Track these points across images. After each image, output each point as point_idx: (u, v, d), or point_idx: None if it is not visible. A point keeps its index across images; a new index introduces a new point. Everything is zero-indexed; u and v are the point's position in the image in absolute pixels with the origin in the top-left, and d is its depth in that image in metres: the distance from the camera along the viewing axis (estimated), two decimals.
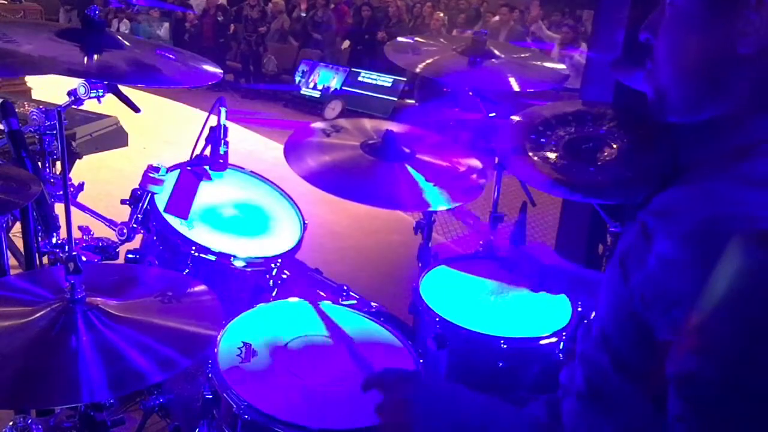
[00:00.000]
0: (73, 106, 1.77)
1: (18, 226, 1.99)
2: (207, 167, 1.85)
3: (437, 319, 1.61)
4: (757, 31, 0.77)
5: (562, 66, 2.29)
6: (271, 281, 1.84)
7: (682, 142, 0.85)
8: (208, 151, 1.85)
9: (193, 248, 1.71)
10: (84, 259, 1.18)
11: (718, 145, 0.80)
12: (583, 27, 9.47)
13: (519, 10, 9.89)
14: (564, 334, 1.58)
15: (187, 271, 1.72)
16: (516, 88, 1.96)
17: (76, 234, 1.85)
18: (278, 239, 1.89)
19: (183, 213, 1.76)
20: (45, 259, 1.96)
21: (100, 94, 1.77)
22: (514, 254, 1.64)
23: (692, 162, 0.82)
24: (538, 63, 2.22)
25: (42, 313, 1.15)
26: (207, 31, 10.68)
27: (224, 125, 1.84)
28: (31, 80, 5.05)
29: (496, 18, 9.59)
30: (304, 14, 10.83)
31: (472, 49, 2.07)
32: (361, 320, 1.57)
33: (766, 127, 0.78)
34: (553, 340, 1.57)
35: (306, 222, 1.95)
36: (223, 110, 1.82)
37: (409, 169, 1.83)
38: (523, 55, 2.21)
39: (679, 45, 0.84)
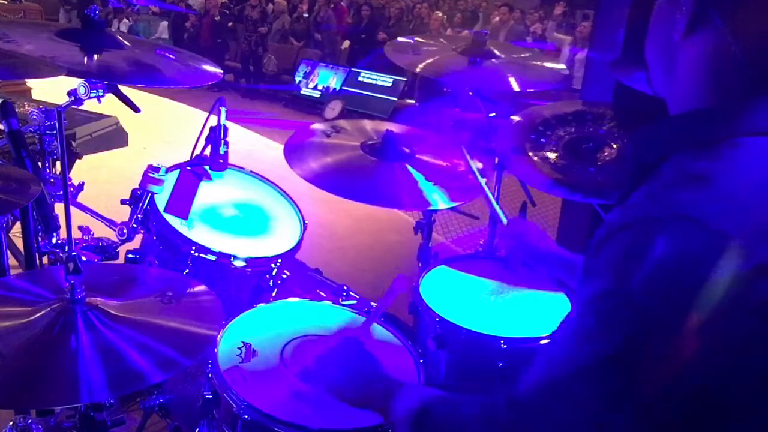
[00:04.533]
0: (73, 106, 1.77)
1: (18, 226, 1.99)
2: (207, 167, 1.85)
3: (437, 319, 1.61)
4: (684, 15, 0.80)
5: (562, 66, 2.29)
6: (271, 281, 1.84)
7: (655, 138, 0.85)
8: (208, 151, 1.85)
9: (193, 248, 1.71)
10: (84, 259, 1.18)
11: (683, 140, 0.80)
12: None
13: (520, 10, 9.92)
14: None
15: (187, 271, 1.72)
16: (516, 88, 1.96)
17: (76, 234, 1.85)
18: (278, 239, 1.89)
19: (183, 213, 1.76)
20: (45, 259, 1.96)
21: (100, 94, 1.77)
22: (504, 228, 1.63)
23: (660, 158, 0.80)
24: (538, 63, 2.22)
25: (42, 313, 1.15)
26: (207, 31, 10.68)
27: (224, 125, 1.84)
28: (31, 80, 5.05)
29: (497, 18, 9.61)
30: (306, 15, 10.82)
31: (472, 49, 2.07)
32: (362, 320, 1.57)
33: (736, 121, 0.76)
34: None
35: (306, 222, 1.95)
36: (223, 110, 1.82)
37: (410, 168, 1.83)
38: (523, 55, 2.21)
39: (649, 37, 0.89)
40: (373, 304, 1.80)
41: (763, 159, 0.72)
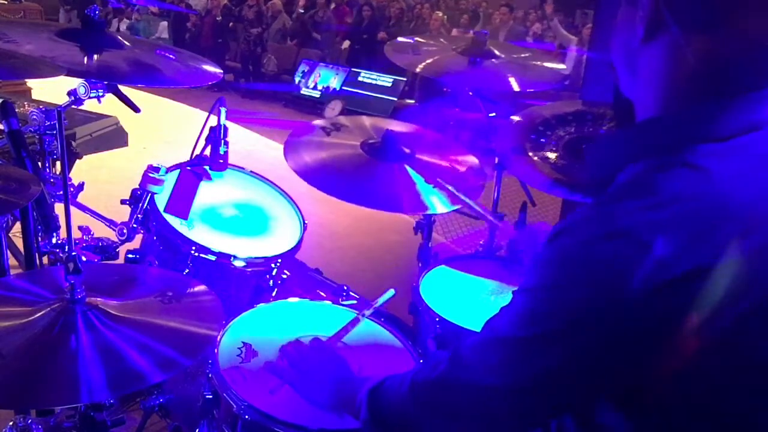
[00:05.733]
0: (73, 106, 1.77)
1: (18, 226, 1.99)
2: (207, 167, 1.85)
3: (437, 319, 1.61)
4: (642, 20, 0.80)
5: (562, 66, 2.29)
6: (271, 281, 1.84)
7: (612, 149, 0.87)
8: (208, 151, 1.85)
9: (193, 248, 1.71)
10: (84, 259, 1.18)
11: (638, 150, 0.81)
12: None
13: (523, 11, 9.91)
14: None
15: (187, 271, 1.72)
16: (516, 88, 1.96)
17: (76, 234, 1.85)
18: (278, 239, 1.89)
19: (183, 213, 1.76)
20: (45, 259, 1.96)
21: (100, 94, 1.77)
22: (517, 237, 1.65)
23: (617, 169, 0.82)
24: (538, 63, 2.22)
25: (42, 313, 1.15)
26: (207, 31, 10.68)
27: (224, 125, 1.84)
28: (31, 80, 5.05)
29: (498, 19, 9.61)
30: (302, 11, 10.81)
31: (472, 49, 2.07)
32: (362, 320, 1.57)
33: (686, 130, 0.77)
34: None
35: (306, 222, 1.95)
36: (223, 110, 1.82)
37: (409, 170, 1.83)
38: (523, 55, 2.21)
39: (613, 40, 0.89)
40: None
41: (712, 166, 0.73)
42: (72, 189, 1.98)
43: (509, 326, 0.81)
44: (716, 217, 0.70)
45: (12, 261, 2.02)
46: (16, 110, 1.91)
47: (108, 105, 1.94)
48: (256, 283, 1.82)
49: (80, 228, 1.89)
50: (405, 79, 8.50)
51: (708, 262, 0.68)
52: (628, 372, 0.74)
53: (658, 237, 0.69)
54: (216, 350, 1.36)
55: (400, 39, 2.32)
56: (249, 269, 1.76)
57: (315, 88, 9.17)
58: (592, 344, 0.73)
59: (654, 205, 0.71)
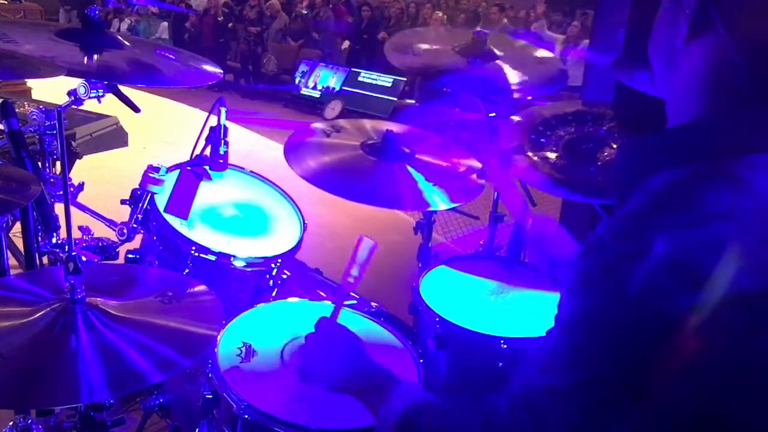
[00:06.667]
0: (73, 106, 1.77)
1: (18, 226, 1.99)
2: (207, 167, 1.85)
3: (437, 319, 1.61)
4: (686, 18, 0.77)
5: (561, 66, 2.29)
6: (271, 281, 1.84)
7: (646, 153, 0.82)
8: (208, 151, 1.85)
9: (193, 248, 1.71)
10: (84, 259, 1.18)
11: (673, 157, 0.77)
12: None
13: (525, 11, 9.93)
14: None
15: (187, 271, 1.72)
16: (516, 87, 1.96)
17: (76, 234, 1.85)
18: (278, 239, 1.89)
19: (183, 213, 1.76)
20: (45, 259, 1.96)
21: (100, 94, 1.77)
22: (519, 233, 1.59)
23: (648, 173, 0.77)
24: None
25: (42, 313, 1.16)
26: (207, 31, 10.68)
27: (224, 125, 1.84)
28: (31, 80, 5.05)
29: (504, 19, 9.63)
30: (305, 11, 10.81)
31: (472, 49, 2.07)
32: (361, 320, 1.57)
33: (726, 139, 0.74)
34: None
35: (306, 222, 1.95)
36: (223, 110, 1.82)
37: (409, 169, 1.83)
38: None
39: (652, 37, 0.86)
40: (374, 304, 1.80)
41: (755, 180, 0.69)
42: (72, 189, 1.98)
43: (557, 376, 0.73)
44: (752, 238, 0.66)
45: (12, 261, 2.02)
46: (16, 110, 1.91)
47: (108, 105, 1.94)
48: (256, 283, 1.82)
49: (80, 228, 1.89)
50: (405, 79, 8.51)
51: (742, 288, 0.65)
52: (636, 377, 0.70)
53: (693, 257, 0.66)
54: (216, 350, 1.36)
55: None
56: (249, 269, 1.76)
57: (315, 88, 9.17)
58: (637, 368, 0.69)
59: (691, 222, 0.67)
